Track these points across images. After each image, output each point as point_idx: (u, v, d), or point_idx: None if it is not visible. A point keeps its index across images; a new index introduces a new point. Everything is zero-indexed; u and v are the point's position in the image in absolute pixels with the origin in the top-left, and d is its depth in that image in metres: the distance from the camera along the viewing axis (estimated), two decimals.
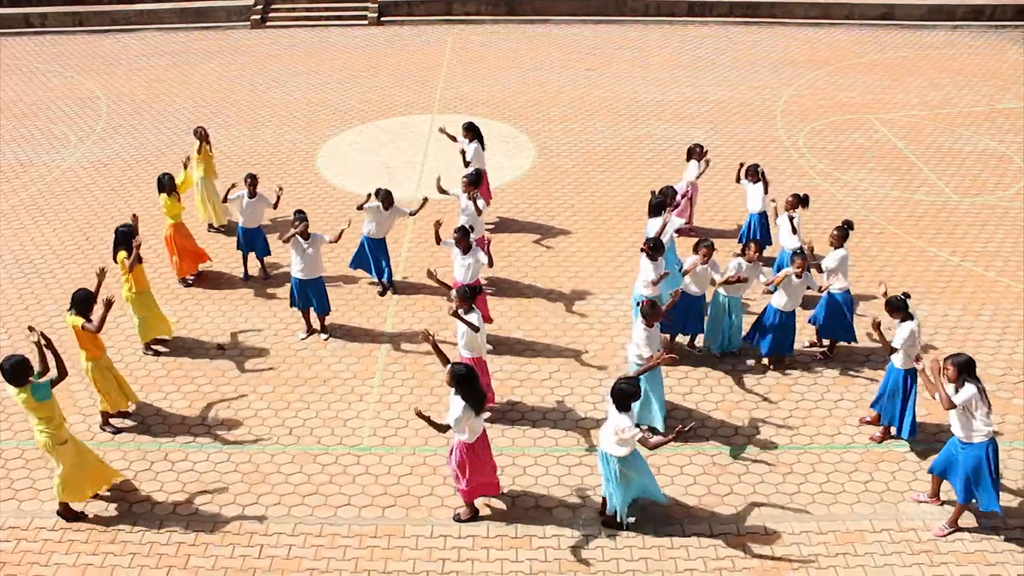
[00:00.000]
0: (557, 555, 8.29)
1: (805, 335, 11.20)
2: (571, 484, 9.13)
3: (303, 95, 20.12)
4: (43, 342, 8.25)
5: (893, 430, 9.57)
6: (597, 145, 17.39)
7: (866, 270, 12.70)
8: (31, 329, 8.29)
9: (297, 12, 25.44)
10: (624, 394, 7.81)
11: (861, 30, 24.38)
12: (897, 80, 20.72)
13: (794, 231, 11.58)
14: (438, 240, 10.89)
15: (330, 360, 11.14)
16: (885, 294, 9.51)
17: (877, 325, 8.94)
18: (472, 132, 13.63)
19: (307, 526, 8.64)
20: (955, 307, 12.14)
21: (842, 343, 11.14)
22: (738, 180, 13.11)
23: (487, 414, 9.73)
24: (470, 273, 10.62)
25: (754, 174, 12.72)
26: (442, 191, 12.26)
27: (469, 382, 7.95)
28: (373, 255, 12.23)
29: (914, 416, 9.39)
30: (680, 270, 10.90)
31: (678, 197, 12.78)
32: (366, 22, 25.17)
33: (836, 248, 10.58)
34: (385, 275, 12.36)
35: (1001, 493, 8.83)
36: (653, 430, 9.47)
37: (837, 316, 10.77)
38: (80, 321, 9.11)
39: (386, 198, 11.89)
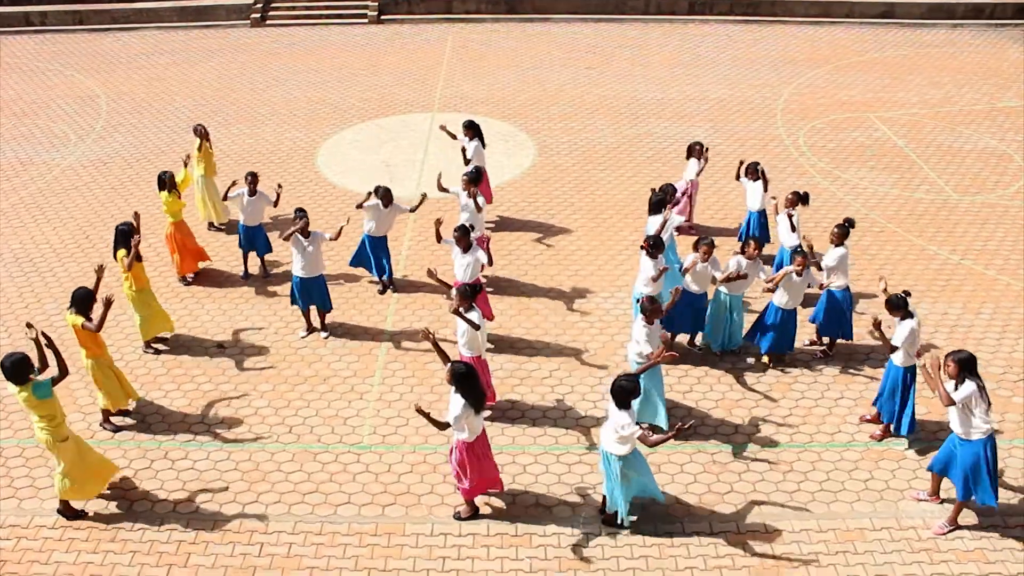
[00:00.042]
0: (557, 553, 8.30)
1: (805, 333, 11.20)
2: (571, 482, 9.13)
3: (303, 93, 20.12)
4: (43, 340, 8.25)
5: (892, 427, 9.58)
6: (597, 143, 17.38)
7: (866, 268, 12.70)
8: (29, 326, 8.29)
9: (297, 10, 25.43)
10: (624, 391, 7.80)
11: (861, 28, 24.37)
12: (897, 78, 20.71)
13: (793, 229, 11.58)
14: (439, 238, 10.89)
15: (330, 358, 11.14)
16: (885, 290, 9.52)
17: (878, 324, 8.94)
18: (472, 130, 13.63)
19: (307, 524, 8.65)
20: (955, 305, 12.14)
21: (841, 341, 11.13)
22: (738, 177, 13.10)
23: (487, 412, 9.75)
24: (470, 272, 10.62)
25: (754, 172, 12.72)
26: (443, 189, 12.26)
27: (469, 380, 7.95)
28: (374, 253, 12.23)
29: (913, 413, 9.40)
30: (680, 269, 10.90)
31: (678, 195, 12.78)
32: (366, 20, 25.16)
33: (836, 246, 10.58)
34: (386, 273, 12.36)
35: (1002, 491, 8.86)
36: (656, 428, 9.46)
37: (837, 314, 10.77)
38: (80, 320, 9.11)
39: (385, 196, 11.89)
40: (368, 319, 11.95)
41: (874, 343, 11.18)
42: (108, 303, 9.00)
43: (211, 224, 14.28)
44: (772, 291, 10.44)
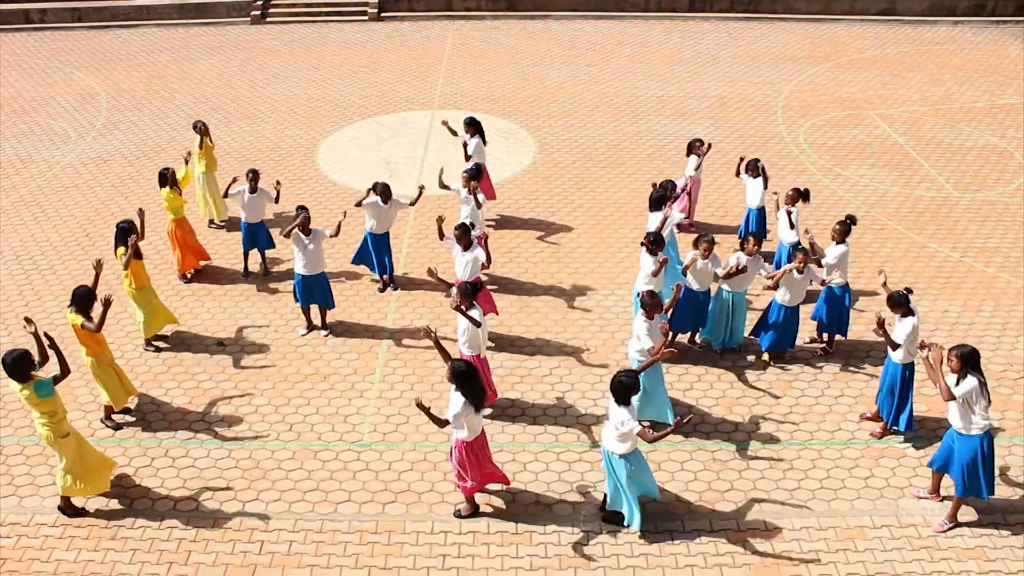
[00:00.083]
0: (558, 551, 8.30)
1: (805, 331, 11.19)
2: (571, 480, 9.14)
3: (303, 91, 20.10)
4: (44, 340, 8.25)
5: (890, 424, 9.57)
6: (597, 141, 17.37)
7: (867, 266, 12.69)
8: (28, 321, 8.30)
9: (297, 8, 25.41)
10: (623, 387, 7.80)
11: (862, 26, 24.35)
12: (898, 76, 20.70)
13: (792, 226, 11.59)
14: (441, 236, 10.89)
15: (330, 356, 11.15)
16: (884, 284, 9.54)
17: (881, 322, 8.94)
18: (473, 127, 13.63)
19: (308, 522, 8.65)
20: (955, 303, 12.14)
21: (838, 338, 11.13)
22: (738, 174, 13.10)
23: (487, 411, 9.76)
24: (470, 270, 10.61)
25: (754, 169, 12.71)
26: (444, 186, 12.26)
27: (469, 379, 7.94)
28: (376, 251, 12.22)
29: (911, 410, 9.41)
30: (681, 268, 10.90)
31: (677, 191, 12.78)
32: (366, 18, 25.14)
33: (838, 243, 10.57)
34: (387, 271, 12.36)
35: (1002, 489, 8.88)
36: (658, 425, 9.46)
37: (836, 310, 10.77)
38: (80, 320, 9.11)
39: (384, 191, 11.88)
40: (369, 317, 11.95)
41: (873, 341, 11.17)
42: (107, 303, 8.99)
43: (211, 221, 14.27)
44: (773, 288, 10.45)
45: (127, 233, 10.51)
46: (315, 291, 11.27)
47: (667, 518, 8.64)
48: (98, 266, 9.79)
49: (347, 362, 11.03)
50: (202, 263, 12.93)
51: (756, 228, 12.69)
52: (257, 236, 12.66)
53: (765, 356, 10.92)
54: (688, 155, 13.50)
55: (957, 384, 7.94)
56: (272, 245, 12.84)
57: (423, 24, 24.91)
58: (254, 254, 12.89)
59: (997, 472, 9.02)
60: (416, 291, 12.49)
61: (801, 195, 11.74)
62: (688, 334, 11.29)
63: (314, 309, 11.60)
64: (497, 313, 11.49)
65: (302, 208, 10.99)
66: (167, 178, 12.21)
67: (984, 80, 20.37)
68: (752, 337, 11.01)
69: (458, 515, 8.68)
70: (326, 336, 11.49)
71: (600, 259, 13.28)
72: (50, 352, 8.26)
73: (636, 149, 16.99)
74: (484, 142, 13.73)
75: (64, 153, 17.12)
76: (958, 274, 12.83)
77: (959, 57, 21.94)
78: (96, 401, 10.18)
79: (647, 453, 8.73)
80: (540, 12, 25.31)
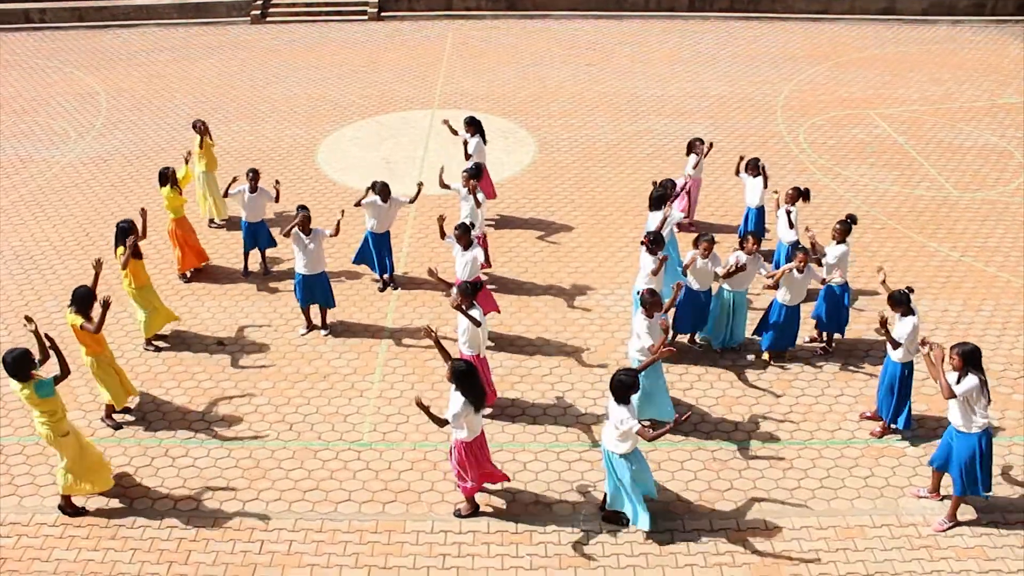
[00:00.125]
0: (558, 551, 8.30)
1: (805, 331, 11.19)
2: (572, 479, 9.14)
3: (303, 91, 20.10)
4: (46, 341, 8.26)
5: (889, 422, 9.58)
6: (597, 140, 17.37)
7: (867, 265, 12.69)
8: (28, 319, 8.32)
9: (297, 7, 25.41)
10: (623, 386, 7.79)
11: (862, 25, 24.34)
12: (898, 75, 20.70)
13: (791, 225, 11.59)
14: (443, 235, 10.89)
15: (330, 356, 11.14)
16: (883, 282, 9.55)
17: (884, 321, 8.95)
18: (474, 126, 13.63)
19: (308, 522, 8.65)
20: (955, 302, 12.14)
21: (837, 336, 11.14)
22: (737, 173, 13.10)
23: (488, 410, 9.76)
24: (470, 269, 10.62)
25: (755, 168, 12.71)
26: (444, 186, 12.26)
27: (469, 379, 7.94)
28: (376, 250, 12.21)
29: (910, 408, 9.41)
30: (681, 267, 10.90)
31: (677, 189, 12.77)
32: (366, 17, 25.13)
33: (838, 243, 10.57)
34: (387, 270, 12.36)
35: (1002, 488, 8.89)
36: (660, 424, 9.45)
37: (835, 308, 10.77)
38: (79, 320, 9.11)
39: (383, 190, 11.87)
40: (368, 316, 11.95)
41: (873, 340, 11.18)
42: (106, 305, 8.99)
43: (211, 221, 14.27)
44: (773, 288, 10.45)
45: (127, 233, 10.51)
46: (316, 290, 11.27)
47: (667, 517, 8.63)
48: (98, 266, 9.80)
49: (347, 361, 11.03)
50: (201, 264, 12.93)
51: (755, 227, 12.69)
52: (258, 235, 12.66)
53: (765, 355, 10.92)
54: (688, 154, 13.50)
55: (958, 382, 7.94)
56: (273, 243, 12.84)
57: (423, 23, 24.91)
58: (254, 254, 12.89)
59: (999, 471, 9.06)
60: (416, 291, 12.49)
61: (801, 194, 11.73)
62: (688, 334, 11.28)
63: (314, 309, 11.60)
64: (499, 311, 11.49)
65: (302, 207, 10.99)
66: (167, 177, 12.22)
67: (984, 79, 20.37)
68: (755, 337, 11.01)
69: (458, 514, 8.68)
70: (326, 336, 11.49)
71: (600, 258, 13.28)
72: (50, 352, 8.27)
73: (636, 148, 16.99)
74: (484, 141, 13.74)
75: (64, 153, 17.12)
76: (958, 273, 12.83)
77: (959, 56, 21.94)
78: (96, 401, 10.18)
79: (647, 452, 8.73)
80: (540, 11, 25.31)
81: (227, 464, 9.38)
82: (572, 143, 17.26)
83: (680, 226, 13.15)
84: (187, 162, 13.19)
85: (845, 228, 10.56)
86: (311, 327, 11.59)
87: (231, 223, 14.13)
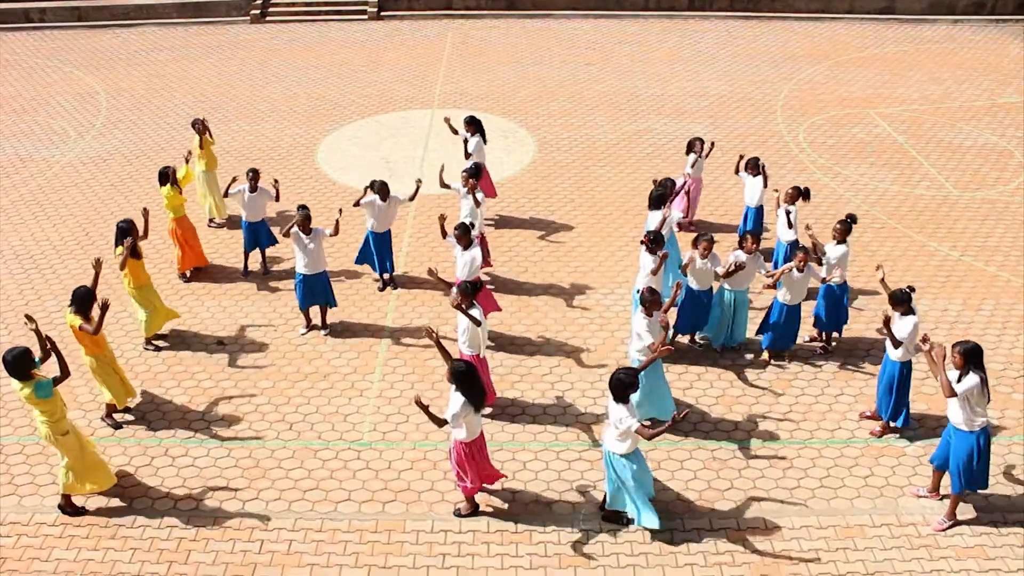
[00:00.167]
0: (557, 550, 8.30)
1: (805, 330, 11.19)
2: (571, 479, 9.14)
3: (303, 90, 20.10)
4: (47, 343, 8.26)
5: (888, 420, 9.58)
6: (597, 140, 17.37)
7: (866, 265, 12.68)
8: (29, 318, 8.33)
9: (297, 7, 25.40)
10: (622, 384, 7.79)
11: (861, 24, 24.34)
12: (897, 74, 20.69)
13: (790, 225, 11.59)
14: (444, 234, 10.89)
15: (330, 355, 11.14)
16: (882, 280, 9.55)
17: (888, 320, 8.96)
18: (474, 126, 13.64)
19: (308, 521, 8.65)
20: (955, 302, 12.14)
21: (835, 335, 11.14)
22: (737, 172, 13.10)
23: (488, 410, 9.76)
24: (470, 269, 10.61)
25: (755, 167, 12.70)
26: (444, 185, 12.26)
27: (469, 379, 7.93)
28: (377, 249, 12.21)
29: (908, 406, 9.42)
30: (679, 266, 10.89)
31: (676, 188, 12.77)
32: (366, 17, 25.12)
33: (839, 243, 10.56)
34: (388, 269, 12.36)
35: (1001, 488, 8.89)
36: (660, 423, 9.45)
37: (834, 307, 10.77)
38: (79, 321, 9.11)
39: (381, 189, 11.86)
40: (368, 316, 11.95)
41: (873, 339, 11.19)
42: (104, 307, 8.98)
43: (211, 220, 14.27)
44: (772, 287, 10.44)
45: (126, 232, 10.51)
46: (317, 290, 11.27)
47: (667, 517, 8.61)
48: (97, 265, 9.80)
49: (347, 361, 11.03)
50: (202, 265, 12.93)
51: (753, 226, 12.68)
52: (258, 235, 12.66)
53: (765, 355, 10.92)
54: (687, 153, 13.50)
55: (959, 381, 7.94)
56: (274, 241, 12.82)
57: (423, 23, 24.90)
58: (254, 254, 12.88)
59: (1000, 471, 9.06)
60: (416, 290, 12.49)
61: (801, 194, 11.73)
62: (689, 334, 11.28)
63: (314, 308, 11.59)
64: (500, 310, 11.48)
65: (302, 207, 10.99)
66: (167, 176, 12.21)
67: (984, 79, 20.37)
68: (757, 337, 11.00)
69: (458, 514, 8.68)
70: (326, 335, 11.49)
71: (600, 258, 13.28)
72: (51, 352, 8.27)
73: (636, 148, 16.99)
74: (484, 141, 13.73)
75: (64, 152, 17.11)
76: (958, 273, 12.83)
77: (959, 56, 21.94)
78: (96, 400, 10.19)
79: (646, 452, 8.73)
80: (540, 11, 25.30)
81: (227, 464, 9.38)
82: (572, 142, 17.25)
83: (680, 226, 13.15)
84: (187, 161, 13.18)
85: (845, 228, 10.56)
86: (311, 327, 11.59)
87: (231, 222, 14.13)
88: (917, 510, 8.70)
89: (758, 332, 10.97)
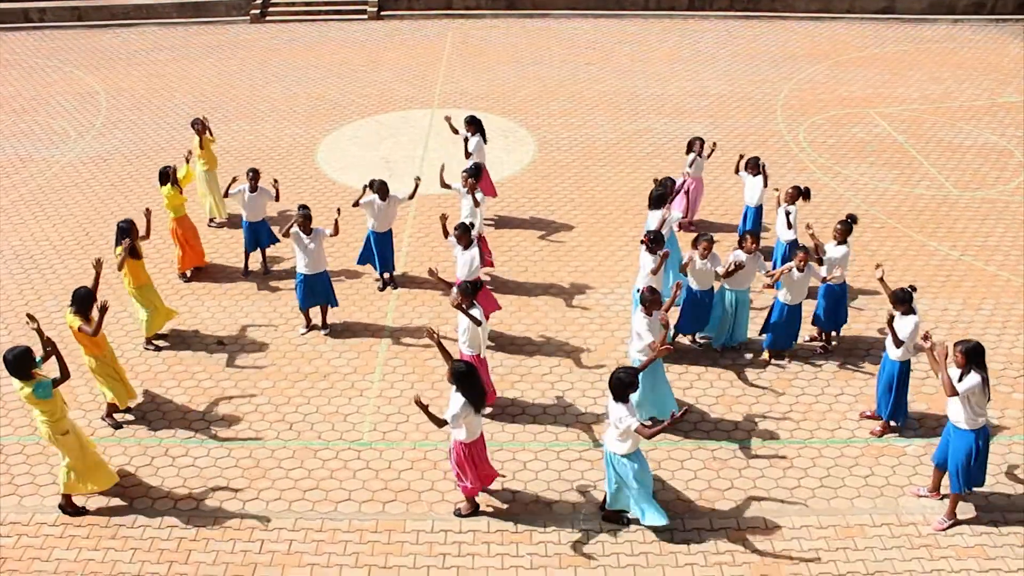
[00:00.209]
0: (557, 550, 8.30)
1: (805, 330, 11.18)
2: (572, 479, 9.14)
3: (303, 90, 20.09)
4: (48, 344, 8.27)
5: (887, 418, 9.59)
6: (597, 139, 17.37)
7: (867, 264, 12.68)
8: (31, 317, 8.33)
9: (296, 6, 25.40)
10: (621, 383, 7.79)
11: (861, 24, 24.34)
12: (897, 74, 20.69)
13: (789, 226, 11.59)
14: (446, 234, 10.89)
15: (330, 355, 11.14)
16: (881, 279, 9.54)
17: (892, 319, 8.96)
18: (474, 126, 13.64)
19: (308, 521, 8.65)
20: (955, 301, 12.14)
21: (835, 335, 11.15)
22: (737, 171, 13.09)
23: (488, 409, 9.76)
24: (470, 269, 10.61)
25: (755, 167, 12.70)
26: (445, 185, 12.26)
27: (470, 379, 7.93)
28: (379, 249, 12.20)
29: (906, 404, 9.43)
30: (679, 266, 10.90)
31: (676, 187, 12.76)
32: (366, 17, 25.12)
33: (839, 243, 10.56)
34: (389, 269, 12.36)
35: (1002, 487, 8.90)
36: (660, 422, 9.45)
37: (833, 307, 10.77)
38: (78, 322, 9.11)
39: (381, 189, 11.86)
40: (368, 316, 11.95)
41: (873, 339, 11.19)
42: (103, 310, 8.97)
43: (211, 220, 14.27)
44: (771, 287, 10.44)
45: (127, 232, 10.51)
46: (318, 290, 11.27)
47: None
48: (98, 265, 9.79)
49: (347, 361, 11.03)
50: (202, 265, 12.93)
51: (752, 226, 12.68)
52: (259, 234, 12.66)
53: (765, 355, 10.92)
54: (687, 153, 13.49)
55: (960, 380, 7.94)
56: (275, 240, 12.81)
57: (422, 23, 24.90)
58: (254, 253, 12.88)
59: (1000, 471, 9.06)
60: (416, 290, 12.49)
61: (802, 193, 11.73)
62: (690, 335, 11.27)
63: (314, 308, 11.58)
64: (500, 308, 11.47)
65: (303, 207, 10.99)
66: (168, 176, 12.21)
67: (984, 78, 20.37)
68: (760, 336, 11.00)
69: (458, 514, 8.68)
70: (326, 335, 11.49)
71: (600, 258, 13.28)
72: (52, 353, 8.28)
73: (636, 147, 16.99)
74: (485, 140, 13.73)
75: (64, 152, 17.11)
76: (958, 272, 12.83)
77: (959, 55, 21.94)
78: (96, 400, 10.19)
79: (646, 452, 8.73)
80: (539, 10, 25.30)
81: (227, 464, 9.38)
82: (572, 142, 17.25)
83: (681, 225, 13.14)
84: (188, 161, 13.18)
85: (846, 229, 10.55)
86: (311, 327, 11.59)
87: (231, 222, 14.12)
88: (917, 510, 8.70)
89: (761, 332, 10.96)
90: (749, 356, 10.97)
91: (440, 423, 7.99)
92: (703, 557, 8.21)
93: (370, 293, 12.43)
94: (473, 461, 8.31)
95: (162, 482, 9.12)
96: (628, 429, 7.77)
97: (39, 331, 8.31)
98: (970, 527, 8.48)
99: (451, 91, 19.99)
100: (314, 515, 8.72)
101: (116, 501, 8.87)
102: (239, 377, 10.74)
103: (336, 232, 11.26)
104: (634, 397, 8.08)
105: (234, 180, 12.58)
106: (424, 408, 7.86)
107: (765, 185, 12.70)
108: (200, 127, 13.60)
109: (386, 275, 12.46)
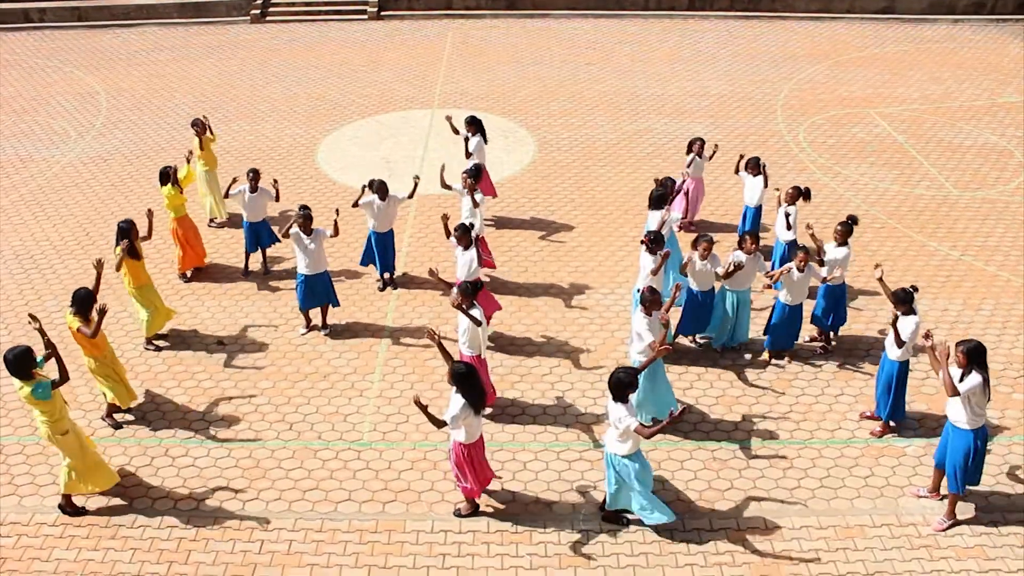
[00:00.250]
0: (557, 550, 8.30)
1: (805, 329, 11.18)
2: (571, 479, 9.14)
3: (303, 90, 20.10)
4: (49, 346, 8.27)
5: (886, 417, 9.59)
6: (597, 139, 17.37)
7: (867, 264, 12.67)
8: (32, 317, 8.33)
9: (297, 7, 25.41)
10: (621, 383, 7.78)
11: (862, 24, 24.34)
12: (897, 74, 20.69)
13: (789, 226, 11.59)
14: (448, 234, 10.89)
15: (330, 355, 11.14)
16: (880, 279, 9.54)
17: (896, 320, 8.97)
18: (475, 126, 13.64)
19: (308, 521, 8.65)
20: (955, 302, 12.14)
21: (832, 334, 11.16)
22: (737, 171, 13.09)
23: (488, 410, 9.76)
24: (470, 269, 10.61)
25: (755, 167, 12.69)
26: (445, 186, 12.26)
27: (469, 380, 7.92)
28: (379, 249, 12.20)
29: (904, 404, 9.45)
30: (679, 266, 10.90)
31: (675, 188, 12.76)
32: (366, 17, 25.12)
33: (840, 245, 10.55)
34: (390, 269, 12.35)
35: (1002, 488, 8.90)
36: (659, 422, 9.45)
37: (833, 307, 10.77)
38: (77, 323, 9.11)
39: (380, 188, 11.85)
40: (369, 316, 11.95)
41: (873, 339, 11.19)
42: (102, 312, 8.97)
43: (211, 220, 14.27)
44: (771, 287, 10.44)
45: (127, 233, 10.51)
46: (318, 290, 11.26)
47: None
48: (98, 265, 9.79)
49: (347, 361, 11.03)
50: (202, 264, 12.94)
51: (752, 226, 12.68)
52: (259, 234, 12.67)
53: (765, 355, 10.92)
54: (688, 153, 13.49)
55: (961, 380, 7.94)
56: (276, 240, 12.81)
57: (423, 23, 24.90)
58: (255, 253, 12.87)
59: (1001, 471, 9.06)
60: (416, 290, 12.49)
61: (802, 194, 11.72)
62: (690, 335, 11.27)
63: (314, 308, 11.58)
64: (501, 308, 11.47)
65: (303, 207, 11.00)
66: (168, 176, 12.21)
67: (984, 78, 20.37)
68: (762, 337, 11.00)
69: (458, 514, 8.68)
70: (326, 335, 11.49)
71: (600, 258, 13.28)
72: (52, 355, 8.28)
73: (636, 148, 16.99)
74: (485, 141, 13.73)
75: (64, 152, 17.12)
76: (958, 272, 12.83)
77: (959, 55, 21.93)
78: (96, 400, 10.19)
79: (647, 452, 8.73)
80: (540, 10, 25.30)
81: (227, 464, 9.38)
82: (572, 142, 17.25)
83: (681, 226, 13.13)
84: (188, 161, 13.19)
85: (847, 230, 10.54)
86: (311, 327, 11.59)
87: (232, 222, 14.13)
88: (917, 510, 8.70)
89: (764, 332, 10.95)
90: (749, 356, 10.97)
91: (439, 424, 7.98)
92: (703, 557, 8.21)
93: (370, 293, 12.44)
94: (472, 464, 8.31)
95: (162, 482, 9.13)
96: (628, 429, 7.76)
97: (41, 331, 8.31)
98: (970, 527, 8.48)
99: (451, 91, 20.00)
100: (314, 515, 8.72)
101: (116, 501, 8.88)
102: (239, 377, 10.74)
103: (336, 233, 11.26)
104: (634, 397, 8.07)
105: (234, 180, 12.58)
106: (423, 409, 7.86)
107: (765, 185, 12.69)
108: (200, 127, 13.60)
109: (386, 275, 12.46)
